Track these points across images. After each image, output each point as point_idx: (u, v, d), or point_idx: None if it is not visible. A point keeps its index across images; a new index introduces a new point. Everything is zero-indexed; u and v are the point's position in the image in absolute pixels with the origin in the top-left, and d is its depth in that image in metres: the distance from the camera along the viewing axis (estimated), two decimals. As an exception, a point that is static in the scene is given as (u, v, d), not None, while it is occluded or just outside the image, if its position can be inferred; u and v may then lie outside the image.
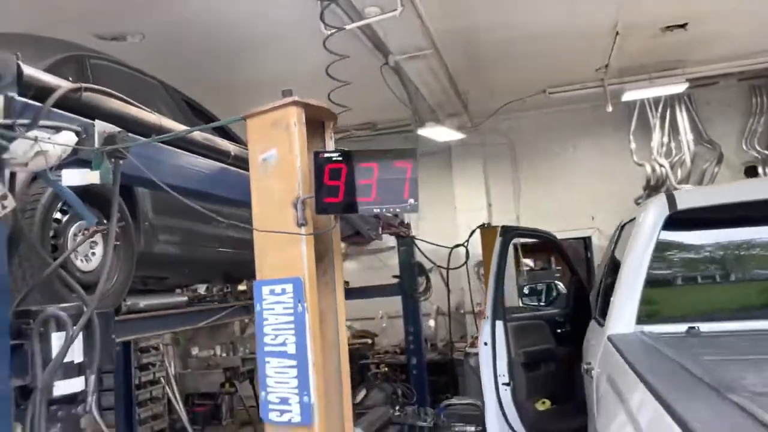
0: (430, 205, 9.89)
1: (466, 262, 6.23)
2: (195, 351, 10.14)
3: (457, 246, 6.37)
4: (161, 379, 9.02)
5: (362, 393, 4.84)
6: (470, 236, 6.20)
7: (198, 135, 2.71)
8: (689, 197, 2.75)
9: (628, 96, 7.44)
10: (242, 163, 3.19)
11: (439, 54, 6.15)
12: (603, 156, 8.74)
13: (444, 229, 8.89)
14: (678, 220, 2.63)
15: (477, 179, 9.50)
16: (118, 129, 2.01)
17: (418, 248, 7.15)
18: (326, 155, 1.46)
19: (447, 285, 6.85)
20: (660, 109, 8.11)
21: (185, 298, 3.93)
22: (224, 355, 9.93)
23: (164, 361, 9.33)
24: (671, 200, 2.67)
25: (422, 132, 7.97)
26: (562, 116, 8.87)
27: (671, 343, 2.18)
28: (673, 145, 8.20)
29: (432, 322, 9.63)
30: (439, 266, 6.80)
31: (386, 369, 7.31)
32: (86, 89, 2.09)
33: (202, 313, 3.80)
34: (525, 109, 8.59)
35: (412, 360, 6.59)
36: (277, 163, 1.53)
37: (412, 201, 1.48)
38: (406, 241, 6.97)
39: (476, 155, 9.43)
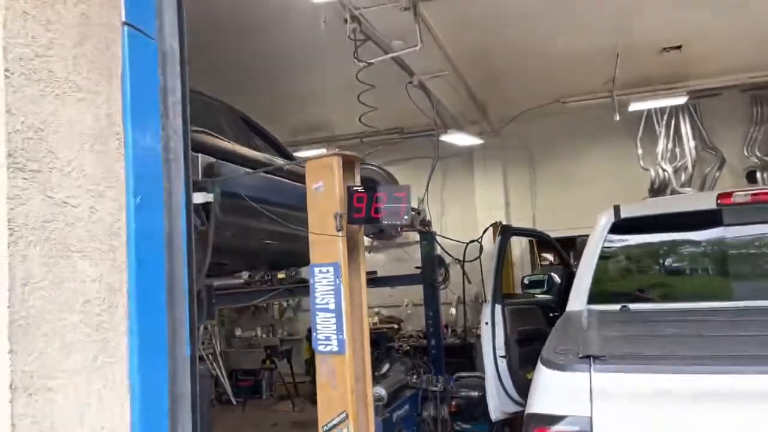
0: (453, 203, 10.80)
1: (479, 257, 7.07)
2: (238, 332, 11.23)
3: (472, 242, 7.23)
4: (209, 356, 10.12)
5: (386, 366, 5.72)
6: (484, 233, 7.01)
7: (261, 156, 3.66)
8: (630, 209, 3.56)
9: (633, 107, 8.16)
10: (292, 175, 4.13)
11: (458, 72, 7.01)
12: (613, 160, 9.44)
13: (465, 225, 9.74)
14: (621, 225, 3.46)
15: (496, 180, 10.31)
16: (215, 160, 2.97)
17: (438, 243, 8.07)
18: (355, 188, 2.38)
19: (464, 276, 7.74)
20: (665, 118, 8.79)
21: (242, 281, 4.90)
22: (264, 336, 10.99)
23: (212, 339, 10.44)
24: (617, 210, 3.51)
25: (445, 138, 8.82)
26: (576, 123, 9.58)
27: (602, 315, 3.03)
28: (677, 151, 8.88)
29: (453, 310, 10.53)
30: (456, 259, 7.71)
31: (408, 348, 8.20)
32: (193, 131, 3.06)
33: (257, 293, 4.76)
34: (541, 116, 9.33)
35: (432, 341, 7.49)
36: (325, 191, 2.46)
37: (405, 218, 2.39)
38: (427, 236, 7.87)
39: (496, 158, 10.23)
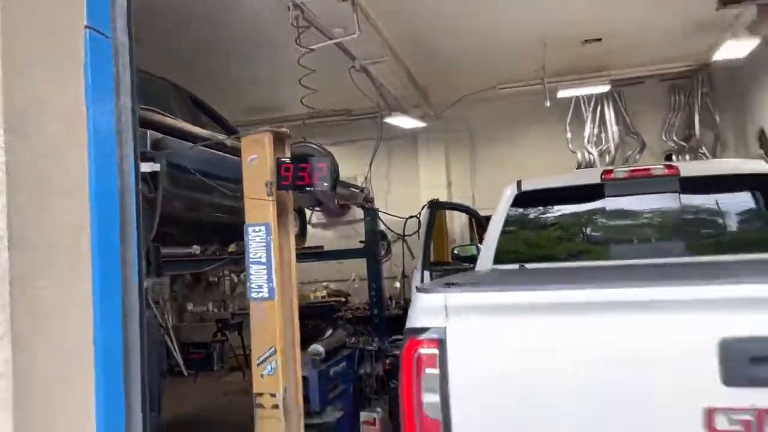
0: (399, 182, 11.32)
1: (417, 231, 7.61)
2: (190, 307, 11.53)
3: (411, 217, 7.81)
4: (161, 329, 10.40)
5: (329, 331, 6.19)
6: (422, 210, 7.55)
7: (206, 132, 4.05)
8: (531, 183, 4.11)
9: (561, 94, 8.79)
10: (238, 152, 4.54)
11: (399, 58, 7.46)
12: (545, 143, 10.10)
13: (409, 203, 10.24)
14: (523, 198, 4.01)
15: (439, 161, 10.87)
16: (161, 135, 3.36)
17: (380, 219, 8.59)
18: (283, 159, 2.82)
19: (404, 249, 8.31)
20: (592, 105, 9.49)
21: (191, 250, 5.28)
22: (216, 310, 11.33)
23: (164, 313, 10.71)
24: (519, 184, 4.07)
25: (389, 120, 9.29)
26: (512, 108, 10.19)
27: (499, 271, 3.58)
28: (602, 135, 9.59)
29: (397, 284, 11.09)
30: (398, 234, 8.26)
31: (352, 317, 8.72)
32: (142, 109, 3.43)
33: (206, 262, 5.14)
34: (481, 101, 9.90)
35: (374, 311, 8.03)
36: (258, 162, 2.90)
37: (326, 184, 2.85)
38: (370, 213, 8.37)
39: (438, 140, 10.78)
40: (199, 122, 5.14)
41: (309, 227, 10.95)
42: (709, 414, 1.75)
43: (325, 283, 11.27)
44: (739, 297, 1.83)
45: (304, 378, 4.85)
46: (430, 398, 2.00)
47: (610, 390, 1.86)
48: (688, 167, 3.93)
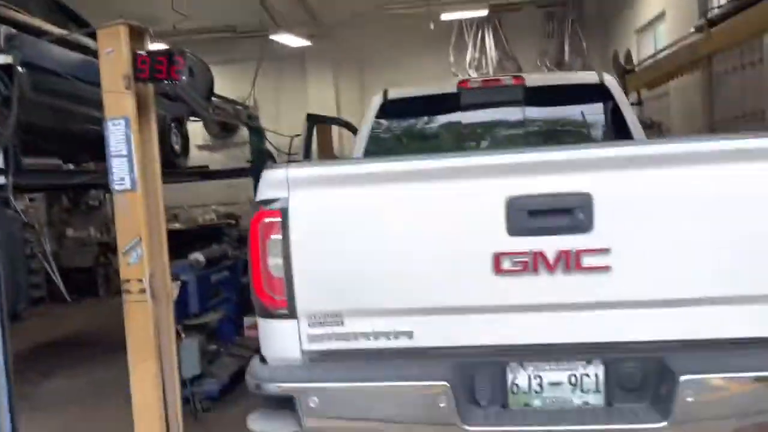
0: (288, 103, 11.29)
1: (302, 152, 7.75)
2: (70, 232, 11.09)
3: (297, 135, 7.90)
4: (38, 254, 9.99)
5: (215, 246, 6.29)
6: (303, 128, 7.65)
7: (64, 32, 3.93)
8: (396, 92, 4.36)
9: (444, 17, 9.05)
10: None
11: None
12: (431, 66, 10.40)
13: (299, 126, 10.31)
14: (390, 105, 4.27)
15: (328, 83, 10.93)
16: (15, 31, 3.26)
17: (267, 139, 8.62)
18: (139, 52, 2.85)
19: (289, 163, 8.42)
20: (473, 30, 9.84)
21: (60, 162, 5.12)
22: (98, 235, 10.99)
23: (40, 239, 10.26)
24: (385, 93, 4.32)
25: (276, 38, 9.17)
26: (400, 32, 10.34)
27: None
28: (483, 60, 10.03)
29: (288, 206, 11.28)
30: (286, 153, 8.34)
31: (239, 235, 8.84)
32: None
33: (76, 175, 5.04)
34: (369, 21, 9.96)
35: (261, 229, 8.19)
36: (115, 56, 2.91)
37: (184, 78, 2.93)
38: (256, 132, 8.36)
39: (327, 62, 10.80)
40: (63, 26, 4.90)
41: (196, 149, 10.76)
42: (497, 258, 2.14)
43: (214, 207, 11.23)
44: (519, 162, 2.22)
45: (183, 282, 5.03)
46: (275, 260, 2.26)
47: (425, 245, 2.20)
48: (533, 78, 4.35)
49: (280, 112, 11.10)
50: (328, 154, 8.63)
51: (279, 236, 2.24)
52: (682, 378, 2.03)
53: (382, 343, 2.29)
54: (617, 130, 4.04)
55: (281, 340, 2.34)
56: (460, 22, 9.74)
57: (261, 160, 8.45)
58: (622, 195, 2.15)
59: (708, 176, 2.11)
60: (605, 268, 2.13)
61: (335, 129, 9.23)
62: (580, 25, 9.75)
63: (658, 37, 7.97)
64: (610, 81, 4.16)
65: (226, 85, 8.42)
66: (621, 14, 8.71)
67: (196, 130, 9.70)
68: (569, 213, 2.13)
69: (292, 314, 2.30)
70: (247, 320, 5.89)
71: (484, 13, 9.07)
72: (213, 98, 5.64)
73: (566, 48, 9.82)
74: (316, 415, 2.24)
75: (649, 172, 2.16)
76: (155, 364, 3.07)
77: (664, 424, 2.07)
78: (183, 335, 4.64)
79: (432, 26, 9.14)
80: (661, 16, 7.91)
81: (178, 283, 4.79)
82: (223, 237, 8.16)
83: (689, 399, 2.03)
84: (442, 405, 2.14)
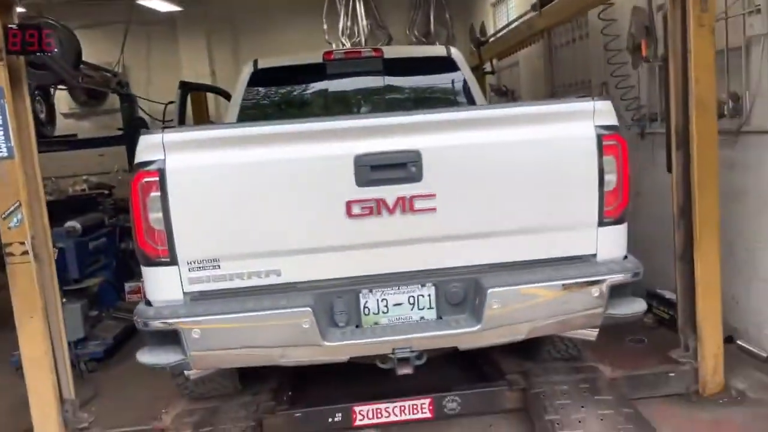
0: (160, 71, 11.02)
1: (175, 119, 7.77)
2: None
3: (171, 102, 7.90)
4: None
5: (91, 214, 6.28)
6: (177, 95, 7.67)
7: None
8: (266, 61, 4.68)
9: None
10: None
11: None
12: (305, 34, 10.56)
13: (173, 93, 10.14)
14: (260, 74, 4.58)
15: (201, 50, 10.81)
16: None
17: (139, 105, 8.52)
18: (10, 26, 2.98)
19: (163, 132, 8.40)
20: (345, -1, 10.17)
21: None
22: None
23: None
24: (255, 63, 4.63)
25: (142, 1, 8.95)
26: (276, -2, 10.41)
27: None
28: (355, 28, 10.40)
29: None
30: (160, 121, 8.30)
31: (114, 204, 8.72)
32: None
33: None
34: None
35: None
36: (-17, 29, 3.01)
37: (56, 50, 3.10)
38: (127, 98, 8.24)
39: (200, 28, 10.65)
40: None
41: (62, 117, 10.28)
42: (348, 205, 2.65)
43: (85, 177, 10.83)
44: (364, 126, 2.73)
45: (61, 249, 5.09)
46: (155, 215, 2.59)
47: (288, 196, 2.65)
48: (390, 50, 4.85)
49: (153, 79, 10.86)
50: (203, 120, 8.68)
51: (158, 193, 2.57)
52: (489, 291, 2.65)
53: (254, 282, 2.71)
54: (464, 97, 4.67)
55: (165, 284, 2.69)
56: (331, -10, 10.01)
57: (133, 127, 8.36)
58: (444, 152, 2.71)
59: (504, 135, 2.72)
60: (432, 210, 2.69)
61: (211, 97, 9.26)
62: (444, -3, 10.39)
63: (510, 11, 8.77)
64: (456, 54, 4.76)
65: (93, 50, 8.17)
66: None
67: (60, 97, 9.29)
68: (404, 167, 2.67)
69: (173, 261, 2.65)
70: (128, 285, 6.03)
71: (352, -18, 9.41)
72: (81, 65, 5.60)
73: (431, 19, 10.43)
74: (198, 346, 2.63)
75: (465, 133, 2.73)
76: (42, 322, 3.30)
77: (478, 326, 2.69)
78: (64, 300, 4.76)
79: (303, -6, 9.35)
80: (512, -9, 8.69)
81: (55, 249, 4.86)
82: (98, 207, 8.11)
83: (495, 306, 2.66)
84: (306, 326, 2.62)
